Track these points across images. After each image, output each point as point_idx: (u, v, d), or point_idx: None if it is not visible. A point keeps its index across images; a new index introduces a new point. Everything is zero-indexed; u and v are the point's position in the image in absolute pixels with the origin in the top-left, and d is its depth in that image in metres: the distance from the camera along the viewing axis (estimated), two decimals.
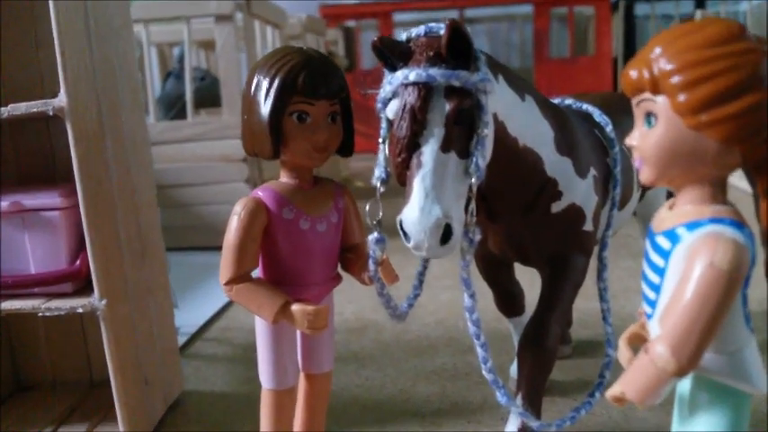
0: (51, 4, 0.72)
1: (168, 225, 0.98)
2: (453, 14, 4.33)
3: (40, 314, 0.77)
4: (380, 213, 0.65)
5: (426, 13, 4.36)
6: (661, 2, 4.55)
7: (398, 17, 4.41)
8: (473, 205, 0.61)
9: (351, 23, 4.40)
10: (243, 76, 1.97)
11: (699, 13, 3.79)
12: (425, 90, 0.58)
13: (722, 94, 0.43)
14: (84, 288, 0.81)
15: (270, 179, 2.13)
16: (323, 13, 4.16)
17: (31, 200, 0.80)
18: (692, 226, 0.45)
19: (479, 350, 0.66)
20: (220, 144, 1.92)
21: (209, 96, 2.36)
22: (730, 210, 0.46)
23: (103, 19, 0.83)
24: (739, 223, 0.45)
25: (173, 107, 2.30)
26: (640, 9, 4.71)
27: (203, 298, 1.45)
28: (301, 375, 0.75)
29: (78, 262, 0.80)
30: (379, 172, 0.64)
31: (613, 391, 0.48)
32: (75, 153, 0.74)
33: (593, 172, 0.76)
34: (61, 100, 0.73)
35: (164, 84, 2.49)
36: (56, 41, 0.73)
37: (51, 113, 0.73)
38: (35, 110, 0.73)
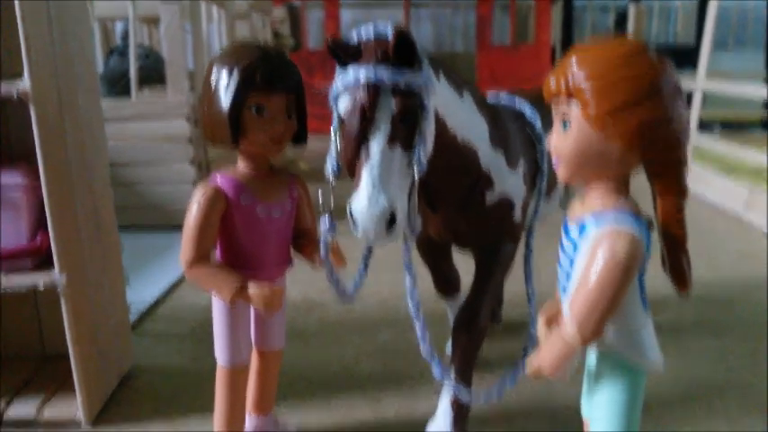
0: None
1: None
2: None
3: (1, 289, 0.80)
4: (332, 204, 0.71)
5: None
6: None
7: None
8: (415, 195, 0.66)
9: (297, 3, 4.37)
10: (188, 55, 1.97)
11: (632, 7, 3.95)
12: (374, 90, 0.63)
13: (625, 104, 0.49)
14: (43, 264, 0.84)
15: (215, 160, 2.11)
16: None
17: None
18: (597, 217, 0.52)
19: (418, 329, 0.72)
20: (165, 124, 1.90)
21: (153, 74, 2.33)
22: (630, 203, 0.53)
23: (62, 2, 0.85)
24: (637, 216, 0.52)
25: (116, 84, 2.27)
26: (579, 0, 4.86)
27: (150, 277, 1.48)
28: (254, 353, 0.80)
29: (38, 238, 0.83)
30: (331, 163, 0.69)
31: (531, 365, 0.55)
32: (39, 134, 0.77)
33: (522, 165, 0.82)
34: (25, 83, 0.75)
35: (107, 60, 2.45)
36: (19, 26, 0.74)
37: (16, 96, 0.75)
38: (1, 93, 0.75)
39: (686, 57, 3.33)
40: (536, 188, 0.87)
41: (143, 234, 1.85)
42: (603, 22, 5.05)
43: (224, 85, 0.66)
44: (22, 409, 0.87)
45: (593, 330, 0.51)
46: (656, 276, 0.60)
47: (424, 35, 4.99)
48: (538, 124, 0.87)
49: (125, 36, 2.30)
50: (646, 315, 0.55)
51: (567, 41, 4.54)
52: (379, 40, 0.66)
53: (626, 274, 0.50)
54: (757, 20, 4.67)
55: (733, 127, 3.47)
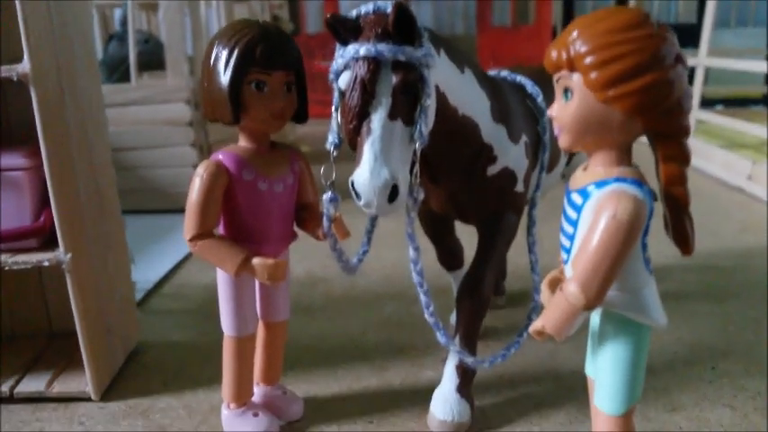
0: None
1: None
2: None
3: (8, 268, 0.81)
4: (334, 175, 0.72)
5: None
6: None
7: None
8: (417, 168, 0.67)
9: None
10: (187, 39, 1.97)
11: None
12: (374, 64, 0.63)
13: (627, 72, 0.50)
14: (48, 243, 0.85)
15: (216, 143, 2.11)
16: None
17: None
18: (600, 184, 0.53)
19: (422, 296, 0.73)
20: (165, 108, 1.91)
21: (152, 59, 2.33)
22: (633, 171, 0.54)
23: None
24: (640, 182, 0.53)
25: (116, 70, 2.28)
26: None
27: (154, 258, 1.49)
28: (260, 325, 0.81)
29: (42, 218, 0.84)
30: (332, 138, 0.70)
31: (535, 325, 0.56)
32: (40, 116, 0.77)
33: (524, 138, 0.83)
34: (25, 66, 0.76)
35: (106, 46, 2.45)
36: (18, 7, 0.75)
37: (15, 78, 0.76)
38: (1, 75, 0.76)
39: (688, 35, 3.31)
40: (538, 161, 0.87)
41: (145, 217, 1.86)
42: (605, 2, 5.01)
43: (224, 61, 0.66)
44: (32, 384, 0.88)
45: (597, 292, 0.51)
46: (660, 243, 0.61)
47: (423, 18, 4.95)
48: (539, 98, 0.88)
49: (124, 22, 2.30)
50: (648, 274, 0.56)
51: (569, 22, 4.50)
52: (379, 14, 0.66)
53: (629, 235, 0.50)
54: None
55: (735, 104, 3.45)
